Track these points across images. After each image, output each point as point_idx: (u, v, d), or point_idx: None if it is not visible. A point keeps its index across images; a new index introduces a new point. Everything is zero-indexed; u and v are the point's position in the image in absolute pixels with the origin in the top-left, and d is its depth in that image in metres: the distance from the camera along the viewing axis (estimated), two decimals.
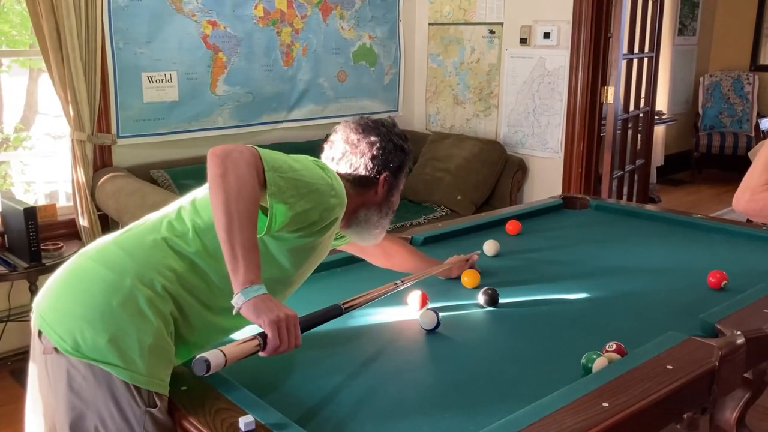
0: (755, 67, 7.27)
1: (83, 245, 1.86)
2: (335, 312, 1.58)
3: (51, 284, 1.47)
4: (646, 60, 4.55)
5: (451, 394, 1.49)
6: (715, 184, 7.03)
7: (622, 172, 4.43)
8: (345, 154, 1.68)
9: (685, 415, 1.69)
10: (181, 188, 3.34)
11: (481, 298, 1.94)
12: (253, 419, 1.27)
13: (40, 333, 1.42)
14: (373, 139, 1.68)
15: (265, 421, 1.28)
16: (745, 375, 1.88)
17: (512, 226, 2.61)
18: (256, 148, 1.44)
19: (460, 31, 4.68)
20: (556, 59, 4.19)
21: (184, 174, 3.60)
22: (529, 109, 4.37)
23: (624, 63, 4.17)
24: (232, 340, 1.69)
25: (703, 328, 1.73)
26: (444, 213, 4.12)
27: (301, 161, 1.52)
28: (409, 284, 1.86)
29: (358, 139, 1.68)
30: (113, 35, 3.52)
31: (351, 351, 1.69)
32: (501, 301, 1.95)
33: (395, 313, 1.90)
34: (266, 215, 1.42)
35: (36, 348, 1.46)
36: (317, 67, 4.38)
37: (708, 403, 1.62)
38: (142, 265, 1.41)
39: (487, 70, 4.56)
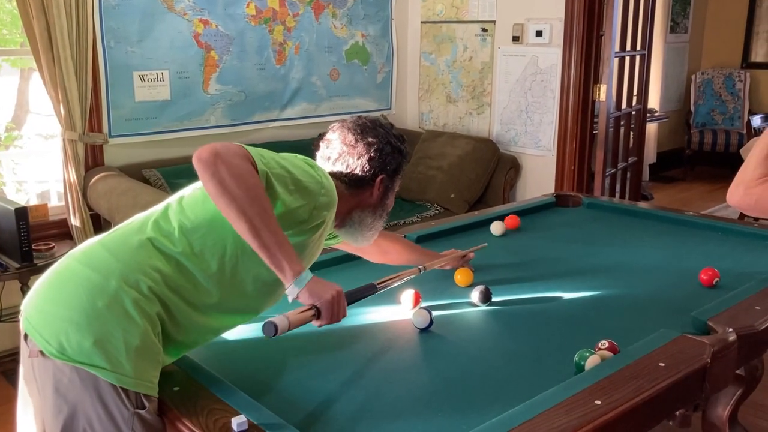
0: (747, 64, 7.29)
1: (75, 245, 1.85)
2: (372, 289, 1.69)
3: (38, 287, 1.47)
4: (638, 58, 4.56)
5: (444, 392, 1.49)
6: (707, 181, 7.06)
7: (614, 170, 4.44)
8: (342, 155, 1.66)
9: (677, 412, 1.69)
10: (174, 187, 3.33)
11: (474, 297, 1.94)
12: (245, 419, 1.27)
13: (26, 336, 1.42)
14: (371, 140, 1.67)
15: (258, 422, 1.28)
16: (737, 372, 1.89)
17: (511, 221, 2.63)
18: (242, 145, 1.43)
19: (452, 29, 4.68)
20: (549, 57, 4.19)
21: (177, 173, 3.59)
22: (522, 107, 4.38)
23: (616, 61, 4.18)
24: (225, 340, 1.69)
25: (695, 326, 1.74)
26: (437, 211, 4.12)
27: (288, 159, 1.51)
28: (430, 270, 2.00)
29: (356, 140, 1.67)
30: (104, 34, 3.51)
31: (344, 350, 1.69)
32: (494, 299, 1.95)
33: (388, 312, 1.90)
34: None
35: (24, 351, 1.45)
36: (310, 65, 4.37)
37: (700, 400, 1.63)
38: (127, 267, 1.40)
39: (480, 68, 4.56)
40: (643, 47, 4.56)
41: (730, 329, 1.65)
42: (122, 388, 1.34)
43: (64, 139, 3.42)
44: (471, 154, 4.28)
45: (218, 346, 1.66)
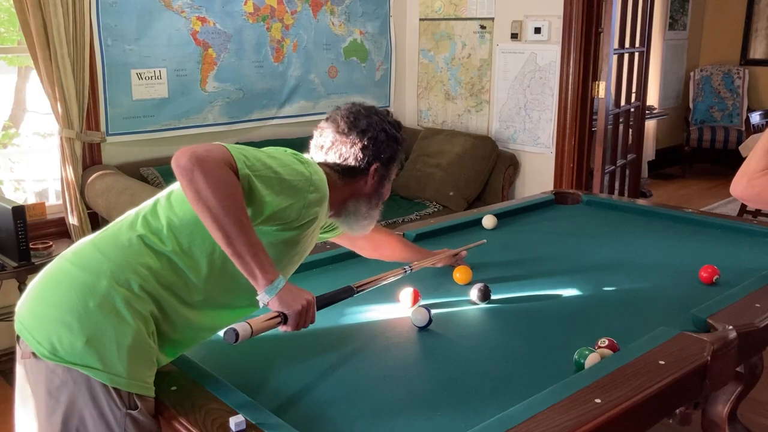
0: (745, 61, 7.29)
1: (73, 244, 1.84)
2: (348, 292, 1.66)
3: (30, 288, 1.46)
4: (637, 55, 4.55)
5: (443, 391, 1.48)
6: (706, 178, 7.06)
7: (613, 167, 4.44)
8: (334, 144, 1.62)
9: (677, 410, 1.69)
10: None
11: (473, 295, 1.94)
12: (243, 419, 1.26)
13: (18, 338, 1.41)
14: (364, 128, 1.61)
15: (256, 421, 1.28)
16: (737, 369, 1.89)
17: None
18: (225, 146, 1.40)
19: (451, 26, 4.67)
20: (547, 54, 4.18)
21: None
22: (521, 105, 4.37)
23: (615, 58, 4.17)
24: (220, 338, 1.69)
25: (695, 323, 1.73)
26: (436, 209, 4.11)
27: (277, 157, 1.49)
28: (417, 270, 1.95)
29: (349, 129, 1.61)
30: (101, 32, 3.50)
31: (342, 349, 1.69)
32: (493, 297, 1.94)
33: (387, 310, 1.90)
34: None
35: (18, 352, 1.44)
36: (308, 63, 4.36)
37: (700, 397, 1.63)
38: (117, 266, 1.39)
39: (479, 66, 4.55)
40: (641, 44, 4.55)
41: (730, 327, 1.65)
42: (115, 389, 1.34)
43: (61, 138, 3.40)
44: (470, 151, 4.27)
45: (216, 345, 1.65)
